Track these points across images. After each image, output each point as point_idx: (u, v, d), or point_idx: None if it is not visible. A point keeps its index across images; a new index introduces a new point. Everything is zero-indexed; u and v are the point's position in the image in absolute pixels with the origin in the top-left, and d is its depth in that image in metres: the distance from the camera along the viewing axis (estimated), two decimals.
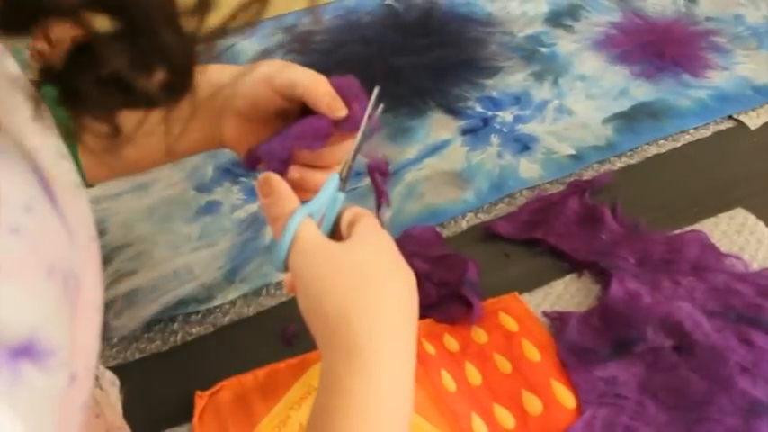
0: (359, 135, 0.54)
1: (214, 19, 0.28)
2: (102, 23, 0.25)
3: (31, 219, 0.26)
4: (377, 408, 0.43)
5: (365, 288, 0.45)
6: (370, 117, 0.54)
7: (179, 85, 0.28)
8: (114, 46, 0.26)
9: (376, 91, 0.54)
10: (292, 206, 0.49)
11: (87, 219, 0.33)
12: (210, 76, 0.55)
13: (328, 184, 0.52)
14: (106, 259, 0.83)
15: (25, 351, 0.24)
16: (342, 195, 0.53)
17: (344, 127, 0.54)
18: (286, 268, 0.48)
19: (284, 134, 0.53)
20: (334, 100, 0.53)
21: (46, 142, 0.31)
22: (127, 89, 0.27)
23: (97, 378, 0.69)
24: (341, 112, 0.53)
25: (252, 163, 0.55)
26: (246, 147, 0.56)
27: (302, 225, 0.47)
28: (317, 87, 0.53)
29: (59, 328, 0.27)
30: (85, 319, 0.31)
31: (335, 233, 0.52)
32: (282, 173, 0.54)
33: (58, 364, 0.27)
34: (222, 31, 0.28)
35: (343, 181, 0.53)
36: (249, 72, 0.54)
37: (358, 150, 0.55)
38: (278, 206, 0.49)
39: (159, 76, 0.27)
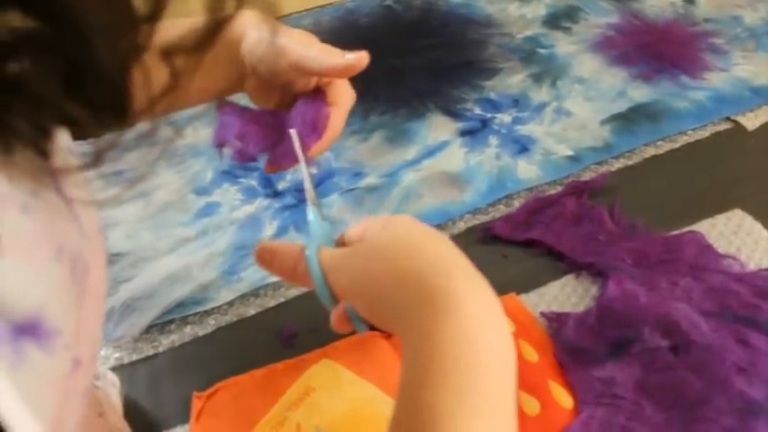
0: (303, 166, 0.55)
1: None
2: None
3: (39, 202, 0.26)
4: (477, 344, 0.39)
5: (417, 249, 0.43)
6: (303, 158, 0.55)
7: (110, 108, 0.27)
8: (39, 57, 0.24)
9: (294, 138, 0.55)
10: (298, 248, 0.49)
11: (94, 211, 0.33)
12: (242, 26, 0.56)
13: (314, 217, 0.53)
14: None
15: (30, 329, 0.25)
16: (328, 224, 0.53)
17: (281, 161, 0.57)
18: (335, 299, 0.47)
19: (229, 129, 0.56)
20: (331, 57, 0.55)
21: (56, 140, 0.31)
22: (52, 112, 0.25)
23: (98, 378, 0.70)
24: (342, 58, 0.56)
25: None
26: (263, 101, 0.59)
27: (322, 251, 0.47)
28: (330, 62, 0.54)
29: (65, 310, 0.27)
30: (92, 306, 0.31)
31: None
32: (218, 148, 0.58)
33: (62, 346, 0.27)
34: (165, 52, 0.27)
35: (319, 209, 0.54)
36: (273, 37, 0.54)
37: (311, 177, 0.55)
38: (285, 259, 0.49)
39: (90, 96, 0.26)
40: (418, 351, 0.39)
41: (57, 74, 0.24)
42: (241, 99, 0.59)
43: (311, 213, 0.53)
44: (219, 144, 0.57)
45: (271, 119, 0.57)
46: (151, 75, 0.28)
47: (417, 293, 0.41)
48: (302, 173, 0.55)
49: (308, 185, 0.54)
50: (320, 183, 0.95)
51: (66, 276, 0.28)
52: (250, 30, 0.55)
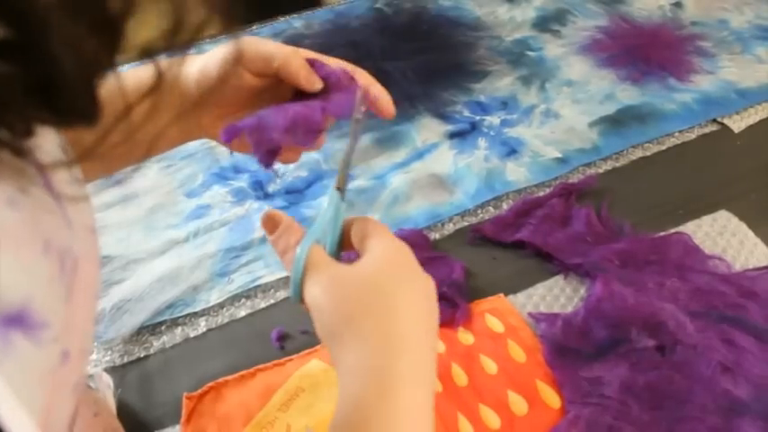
0: (350, 141, 0.51)
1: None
2: None
3: (26, 198, 0.27)
4: (395, 427, 0.41)
5: (377, 307, 0.43)
6: (357, 120, 0.51)
7: (79, 113, 0.27)
8: (5, 62, 0.24)
9: (359, 93, 0.52)
10: (297, 236, 0.48)
11: (86, 211, 0.33)
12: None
13: (330, 204, 0.50)
14: None
15: (17, 320, 0.25)
16: (343, 205, 0.51)
17: (332, 112, 0.51)
18: (302, 300, 0.47)
19: (273, 123, 0.49)
20: (311, 74, 0.51)
21: (48, 138, 0.31)
22: (21, 115, 0.25)
23: (93, 380, 0.70)
24: (317, 84, 0.51)
25: (230, 138, 0.50)
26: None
27: (311, 253, 0.46)
28: (293, 60, 0.51)
29: (53, 303, 0.28)
30: (82, 301, 0.31)
31: (345, 245, 0.50)
32: (271, 161, 0.51)
33: (50, 338, 0.27)
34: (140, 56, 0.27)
35: (342, 191, 0.51)
36: (213, 56, 0.51)
37: (350, 157, 0.52)
38: (284, 239, 0.49)
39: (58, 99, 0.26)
40: (351, 415, 0.41)
41: (23, 79, 0.24)
42: None
43: (331, 197, 0.50)
44: (267, 156, 0.50)
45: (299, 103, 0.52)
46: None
47: (364, 363, 0.42)
48: (348, 147, 0.51)
49: (344, 163, 0.51)
50: (310, 185, 0.95)
51: (53, 270, 0.28)
52: (192, 65, 0.52)
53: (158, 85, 0.28)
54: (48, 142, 0.31)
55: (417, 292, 0.46)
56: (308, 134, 0.50)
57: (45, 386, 0.27)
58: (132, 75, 0.30)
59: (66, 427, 0.30)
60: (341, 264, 0.46)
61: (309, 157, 0.99)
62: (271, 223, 0.50)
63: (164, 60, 0.28)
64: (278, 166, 0.53)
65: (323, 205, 0.50)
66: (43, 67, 0.24)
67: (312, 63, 0.52)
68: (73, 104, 0.26)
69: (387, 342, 0.42)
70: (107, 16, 0.25)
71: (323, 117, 0.50)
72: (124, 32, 0.26)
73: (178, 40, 0.27)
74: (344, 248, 0.50)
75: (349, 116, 0.51)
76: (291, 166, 0.97)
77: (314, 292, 0.45)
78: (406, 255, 0.47)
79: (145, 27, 0.26)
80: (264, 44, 0.51)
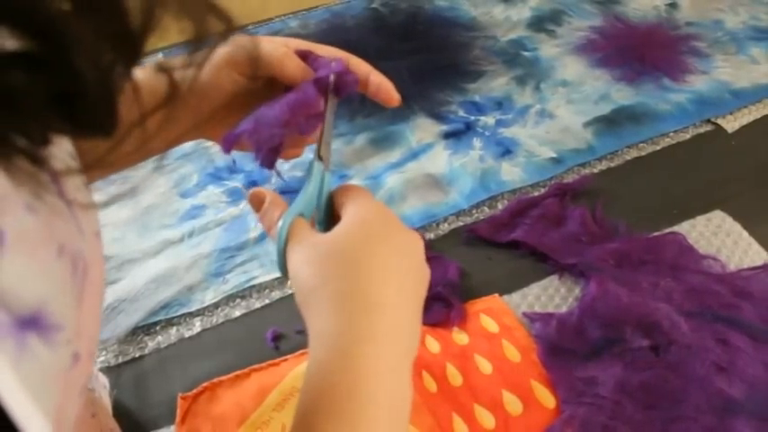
0: (328, 108, 0.51)
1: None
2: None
3: (41, 203, 0.27)
4: (361, 397, 0.39)
5: (342, 270, 0.42)
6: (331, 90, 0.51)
7: (97, 123, 0.27)
8: (26, 72, 0.24)
9: (334, 64, 0.51)
10: (281, 210, 0.48)
11: (93, 214, 0.34)
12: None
13: (313, 175, 0.49)
14: None
15: (32, 322, 0.25)
16: (328, 175, 0.50)
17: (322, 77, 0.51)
18: (287, 274, 0.47)
19: (272, 119, 0.48)
20: (307, 73, 0.51)
21: (60, 146, 0.31)
22: (39, 125, 0.25)
23: (90, 380, 0.70)
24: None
25: (229, 147, 0.50)
26: (220, 134, 0.52)
27: (293, 225, 0.46)
28: (287, 64, 0.51)
29: (66, 306, 0.28)
30: (91, 304, 0.32)
31: (335, 215, 0.49)
32: (273, 161, 0.50)
33: (64, 340, 0.27)
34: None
35: (324, 160, 0.50)
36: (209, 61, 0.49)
37: (330, 125, 0.51)
38: (269, 214, 0.49)
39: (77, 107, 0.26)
40: (313, 381, 0.40)
41: (44, 89, 0.24)
42: None
43: (315, 169, 0.49)
44: (269, 155, 0.49)
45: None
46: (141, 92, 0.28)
47: (326, 325, 0.41)
48: (326, 113, 0.50)
49: (321, 131, 0.50)
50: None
51: (66, 274, 0.29)
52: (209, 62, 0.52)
53: (174, 96, 0.28)
54: (59, 150, 0.31)
55: (392, 249, 0.45)
56: (309, 119, 0.50)
57: (58, 387, 0.27)
58: (146, 83, 0.30)
59: (72, 427, 0.31)
60: (317, 234, 0.46)
61: (305, 156, 0.98)
62: (256, 200, 0.50)
63: (178, 71, 0.28)
64: (279, 166, 0.52)
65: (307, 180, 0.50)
66: (64, 79, 0.25)
67: (305, 56, 0.52)
68: (92, 116, 0.27)
69: (349, 303, 0.41)
70: (128, 32, 0.25)
71: (318, 96, 0.50)
72: (144, 48, 0.26)
73: (197, 54, 0.27)
74: (335, 219, 0.48)
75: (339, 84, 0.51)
76: (286, 165, 0.97)
77: (292, 263, 0.45)
78: (381, 214, 0.46)
79: (162, 39, 0.26)
80: (257, 47, 0.51)
